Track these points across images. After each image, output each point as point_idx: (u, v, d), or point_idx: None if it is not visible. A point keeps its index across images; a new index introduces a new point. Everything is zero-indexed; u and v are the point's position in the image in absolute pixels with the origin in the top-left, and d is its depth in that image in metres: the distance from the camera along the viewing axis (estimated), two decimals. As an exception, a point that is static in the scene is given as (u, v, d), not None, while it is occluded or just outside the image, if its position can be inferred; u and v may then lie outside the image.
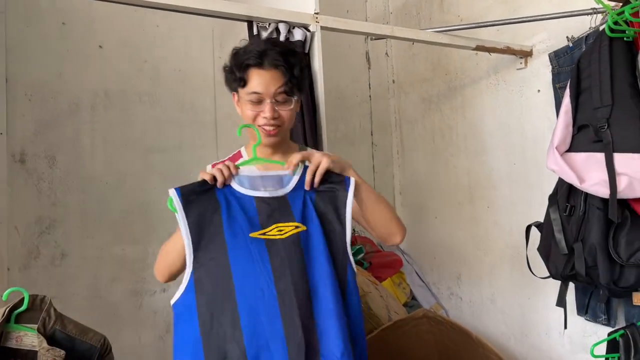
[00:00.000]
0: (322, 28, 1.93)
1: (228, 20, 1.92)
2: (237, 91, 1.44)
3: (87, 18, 2.57)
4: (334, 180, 1.32)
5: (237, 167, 1.30)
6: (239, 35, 2.42)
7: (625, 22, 1.63)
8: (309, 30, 1.91)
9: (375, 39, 2.58)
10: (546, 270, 1.92)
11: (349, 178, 1.33)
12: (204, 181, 1.26)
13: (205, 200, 1.25)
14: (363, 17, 3.46)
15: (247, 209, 1.26)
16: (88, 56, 2.56)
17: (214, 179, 1.26)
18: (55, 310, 1.49)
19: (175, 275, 1.39)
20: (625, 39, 1.66)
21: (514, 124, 2.50)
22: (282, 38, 1.87)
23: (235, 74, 1.40)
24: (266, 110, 1.38)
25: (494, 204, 2.65)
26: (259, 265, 1.20)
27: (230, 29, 2.62)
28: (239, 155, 1.57)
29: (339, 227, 1.30)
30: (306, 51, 1.92)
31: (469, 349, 2.26)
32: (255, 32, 1.87)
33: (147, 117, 2.68)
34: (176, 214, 1.22)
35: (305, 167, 1.33)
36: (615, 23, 1.62)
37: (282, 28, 1.87)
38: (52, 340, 1.43)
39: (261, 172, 1.33)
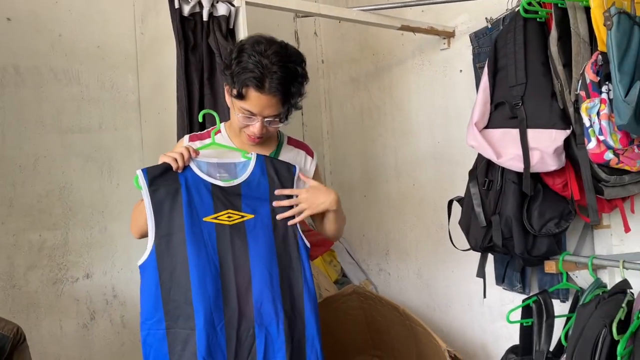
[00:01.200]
0: (247, 3, 1.89)
1: (148, -7, 1.84)
2: (231, 92, 1.42)
3: (-7, -12, 2.38)
4: (282, 171, 1.52)
5: (197, 152, 1.44)
6: (161, 10, 2.33)
7: (539, 3, 1.70)
8: (233, 5, 1.87)
9: (302, 17, 2.57)
10: (467, 243, 2.00)
11: (295, 168, 1.54)
12: (166, 164, 1.40)
13: (168, 181, 1.40)
14: (291, -5, 3.42)
15: (203, 193, 1.42)
16: (-5, 29, 2.38)
17: (175, 161, 1.39)
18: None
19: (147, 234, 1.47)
20: (538, 19, 1.74)
21: (438, 103, 2.58)
22: (205, 13, 1.82)
23: (235, 84, 1.39)
24: (256, 127, 1.45)
25: (419, 181, 2.73)
26: (208, 246, 1.40)
27: (152, 3, 2.51)
28: (216, 132, 1.58)
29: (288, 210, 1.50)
30: (230, 27, 1.87)
31: (397, 322, 2.33)
32: (177, 5, 1.81)
33: (64, 95, 2.54)
34: (141, 191, 1.38)
35: (259, 156, 1.49)
36: (529, 4, 1.69)
37: (205, 2, 1.82)
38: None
39: (218, 160, 1.47)
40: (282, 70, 1.37)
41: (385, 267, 3.01)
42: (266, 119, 1.43)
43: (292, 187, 1.52)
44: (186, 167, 1.42)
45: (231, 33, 1.88)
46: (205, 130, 1.61)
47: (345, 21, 2.46)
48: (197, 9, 1.83)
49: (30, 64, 2.45)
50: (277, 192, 1.48)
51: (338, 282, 3.00)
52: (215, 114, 1.54)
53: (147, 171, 1.39)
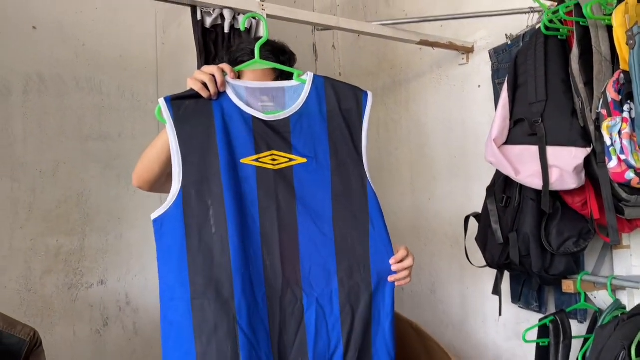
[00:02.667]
0: (268, 16, 1.91)
1: (172, 4, 1.86)
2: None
3: (20, -3, 2.44)
4: (347, 101, 1.25)
5: (234, 72, 1.22)
6: (183, 21, 2.37)
7: (560, 21, 1.70)
8: (254, 18, 1.89)
9: (321, 30, 2.59)
10: (483, 259, 1.98)
11: (366, 94, 1.27)
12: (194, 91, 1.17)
13: (198, 112, 1.15)
14: (310, 8, 3.45)
15: (242, 128, 1.18)
16: (21, 37, 2.43)
17: (205, 88, 1.17)
18: (-20, 302, 1.41)
19: (150, 184, 1.30)
20: (559, 37, 1.73)
21: (456, 118, 2.57)
22: (226, 25, 1.84)
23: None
24: None
25: (435, 195, 2.71)
26: (247, 196, 1.15)
27: (174, 14, 2.55)
28: None
29: (355, 156, 1.25)
30: (252, 39, 1.89)
31: (410, 338, 2.31)
32: (199, 17, 1.83)
33: (85, 103, 2.58)
34: (165, 124, 1.16)
35: (317, 78, 1.26)
36: (551, 22, 1.69)
37: (227, 14, 1.84)
38: (-24, 334, 1.35)
39: (260, 84, 1.24)
40: (270, 44, 1.38)
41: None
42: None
43: (360, 122, 1.26)
44: (221, 94, 1.19)
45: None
46: None
47: (364, 35, 2.47)
48: (219, 21, 1.85)
49: (54, 73, 2.49)
50: (393, 260, 1.28)
51: (351, 296, 2.98)
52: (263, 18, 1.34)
53: (171, 100, 1.16)
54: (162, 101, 1.15)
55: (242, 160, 1.16)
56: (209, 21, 1.83)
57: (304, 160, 1.20)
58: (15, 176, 2.37)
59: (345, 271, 1.19)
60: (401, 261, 1.28)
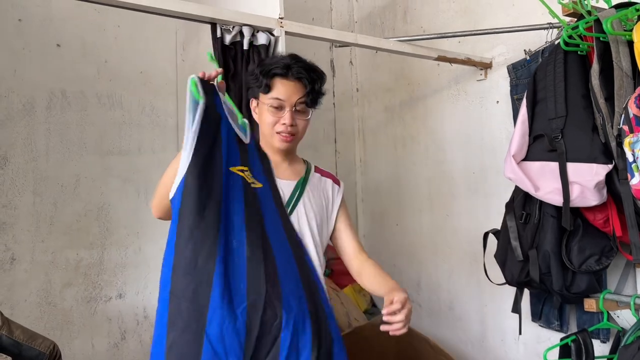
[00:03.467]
0: (287, 33, 1.94)
1: (192, 22, 1.90)
2: (257, 97, 1.54)
3: (45, 15, 2.50)
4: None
5: (222, 82, 1.24)
6: (203, 38, 2.40)
7: (580, 36, 1.69)
8: (273, 35, 1.91)
9: (339, 47, 2.61)
10: (502, 277, 1.96)
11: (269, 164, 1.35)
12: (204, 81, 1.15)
13: (213, 106, 1.14)
14: (328, 25, 3.48)
15: (233, 138, 1.20)
16: (45, 54, 2.48)
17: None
18: (1, 314, 1.43)
19: (169, 212, 1.20)
20: (579, 52, 1.72)
21: (474, 134, 2.56)
22: (245, 42, 1.86)
23: (261, 80, 1.50)
24: (286, 117, 1.49)
25: (453, 212, 2.69)
26: (236, 204, 1.14)
27: (194, 32, 2.59)
28: None
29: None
30: (270, 55, 1.91)
31: (428, 355, 2.28)
32: (219, 34, 1.85)
33: (106, 118, 2.62)
34: (191, 104, 1.10)
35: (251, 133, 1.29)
36: (570, 37, 1.68)
37: (246, 31, 1.86)
38: (-3, 346, 1.37)
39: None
40: (302, 61, 1.53)
41: (416, 298, 2.96)
42: (295, 108, 1.49)
43: (272, 176, 1.33)
44: (220, 104, 1.20)
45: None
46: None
47: (382, 51, 2.49)
48: (238, 38, 1.87)
49: (76, 89, 2.55)
50: (386, 311, 1.28)
51: (368, 312, 2.96)
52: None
53: (201, 81, 1.13)
54: (195, 77, 1.12)
55: (231, 168, 1.16)
56: (228, 38, 1.85)
57: (261, 185, 1.25)
58: (38, 190, 2.41)
59: (309, 297, 1.20)
60: (395, 312, 1.28)
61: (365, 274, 1.58)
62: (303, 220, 1.55)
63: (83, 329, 2.48)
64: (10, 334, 1.41)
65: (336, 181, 1.70)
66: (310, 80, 1.51)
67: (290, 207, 1.54)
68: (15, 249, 2.34)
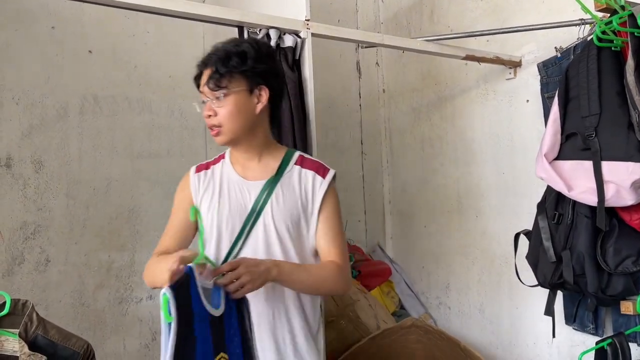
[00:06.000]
0: (313, 35, 1.94)
1: (219, 26, 1.91)
2: None
3: (78, 23, 2.55)
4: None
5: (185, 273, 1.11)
6: (230, 42, 2.42)
7: (613, 32, 1.65)
8: (299, 37, 1.91)
9: (365, 47, 2.60)
10: (534, 278, 1.92)
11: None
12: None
13: (183, 313, 1.06)
14: (354, 26, 3.47)
15: (205, 327, 1.13)
16: (77, 61, 2.54)
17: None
18: (37, 315, 1.46)
19: None
20: (613, 48, 1.68)
21: (503, 134, 2.52)
22: (272, 44, 1.87)
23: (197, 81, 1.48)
24: (204, 109, 1.42)
25: (482, 213, 2.65)
26: None
27: (221, 36, 2.60)
28: (221, 158, 1.57)
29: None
30: (296, 57, 1.92)
31: (458, 358, 2.25)
32: (246, 37, 1.87)
33: (136, 122, 2.66)
34: (164, 324, 1.05)
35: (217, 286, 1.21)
36: (604, 33, 1.64)
37: (273, 34, 1.87)
38: (33, 345, 1.40)
39: (205, 281, 1.16)
40: (221, 47, 1.45)
41: (446, 300, 2.92)
42: (214, 97, 1.39)
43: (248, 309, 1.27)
44: (193, 283, 1.12)
45: (297, 64, 1.93)
46: (213, 158, 1.57)
47: (408, 51, 2.47)
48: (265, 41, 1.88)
49: (107, 94, 2.59)
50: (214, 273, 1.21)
51: (396, 314, 2.93)
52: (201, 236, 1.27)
53: (175, 292, 1.04)
54: (168, 293, 1.03)
55: None
56: (255, 41, 1.86)
57: None
58: (71, 193, 2.46)
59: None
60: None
61: None
62: (270, 228, 1.41)
63: (115, 330, 2.52)
64: (45, 334, 1.44)
65: (320, 172, 1.49)
66: (214, 61, 1.40)
67: (255, 213, 1.42)
68: (50, 250, 2.39)
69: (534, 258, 1.89)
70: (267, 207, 1.42)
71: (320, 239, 1.46)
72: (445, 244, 2.91)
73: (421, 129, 3.11)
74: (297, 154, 1.53)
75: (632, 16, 1.59)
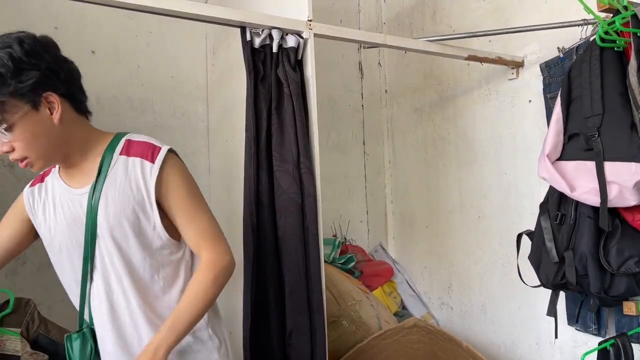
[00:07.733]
0: (316, 35, 1.94)
1: (221, 27, 1.92)
2: None
3: (80, 23, 2.56)
4: None
5: None
6: (232, 43, 2.43)
7: (616, 32, 1.65)
8: (302, 37, 1.92)
9: (368, 48, 2.60)
10: (537, 279, 1.92)
11: None
12: None
13: None
14: (356, 27, 3.47)
15: None
16: (80, 61, 2.48)
17: None
18: (39, 314, 1.47)
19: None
20: (615, 49, 1.68)
21: (506, 134, 2.51)
22: (275, 44, 1.87)
23: None
24: None
25: (484, 213, 2.65)
26: None
27: (224, 36, 2.62)
28: (48, 172, 1.38)
29: None
30: (299, 58, 1.92)
31: (460, 358, 2.25)
32: (248, 38, 1.87)
33: (138, 122, 2.67)
34: None
35: None
36: (606, 33, 1.64)
37: (275, 34, 1.87)
38: (35, 344, 1.41)
39: None
40: None
41: (448, 301, 2.92)
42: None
43: None
44: None
45: (299, 64, 1.93)
46: (44, 170, 1.37)
47: (411, 51, 2.47)
48: (268, 41, 1.88)
49: (110, 94, 2.60)
50: None
51: (398, 315, 2.93)
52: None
53: None
54: None
55: None
56: (257, 41, 1.86)
57: None
58: (73, 193, 2.47)
59: None
60: None
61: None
62: (106, 236, 1.24)
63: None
64: (47, 333, 1.45)
65: (148, 156, 1.28)
66: None
67: (90, 225, 1.24)
68: (53, 250, 2.40)
69: (536, 258, 1.88)
70: (100, 214, 1.23)
71: (184, 234, 1.30)
72: (447, 244, 2.91)
73: (423, 129, 3.10)
74: (123, 140, 1.31)
75: (635, 16, 1.59)
